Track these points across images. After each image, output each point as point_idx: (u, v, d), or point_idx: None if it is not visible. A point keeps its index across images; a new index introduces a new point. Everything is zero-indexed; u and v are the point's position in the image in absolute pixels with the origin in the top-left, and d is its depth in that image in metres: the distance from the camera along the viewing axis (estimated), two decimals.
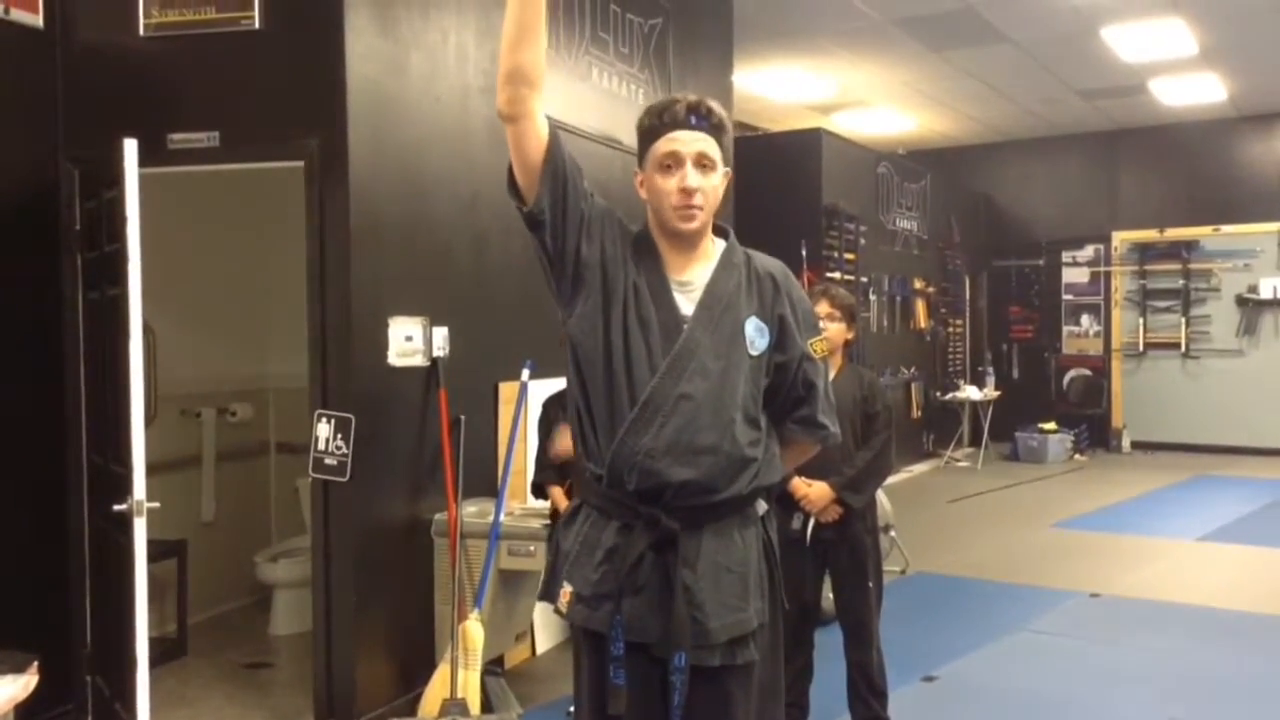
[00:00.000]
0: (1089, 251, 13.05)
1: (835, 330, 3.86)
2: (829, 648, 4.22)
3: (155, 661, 3.76)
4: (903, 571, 6.69)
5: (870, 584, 4.07)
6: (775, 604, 2.38)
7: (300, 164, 4.18)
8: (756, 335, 2.33)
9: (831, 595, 4.25)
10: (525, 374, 4.81)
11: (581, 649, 2.39)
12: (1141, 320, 12.72)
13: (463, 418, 4.66)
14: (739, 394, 2.29)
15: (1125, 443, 12.63)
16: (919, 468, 11.35)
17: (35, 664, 3.68)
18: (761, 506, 2.40)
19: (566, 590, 2.33)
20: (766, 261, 2.44)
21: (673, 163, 2.29)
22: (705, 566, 2.26)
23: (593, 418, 2.33)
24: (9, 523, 4.11)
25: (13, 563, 4.11)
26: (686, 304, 2.32)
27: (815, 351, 2.42)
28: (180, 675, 4.96)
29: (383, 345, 4.33)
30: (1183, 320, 12.45)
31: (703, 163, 2.29)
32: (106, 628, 4.08)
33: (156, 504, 3.66)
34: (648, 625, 2.26)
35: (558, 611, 2.36)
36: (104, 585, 4.12)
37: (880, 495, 4.50)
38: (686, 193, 2.27)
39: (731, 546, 2.30)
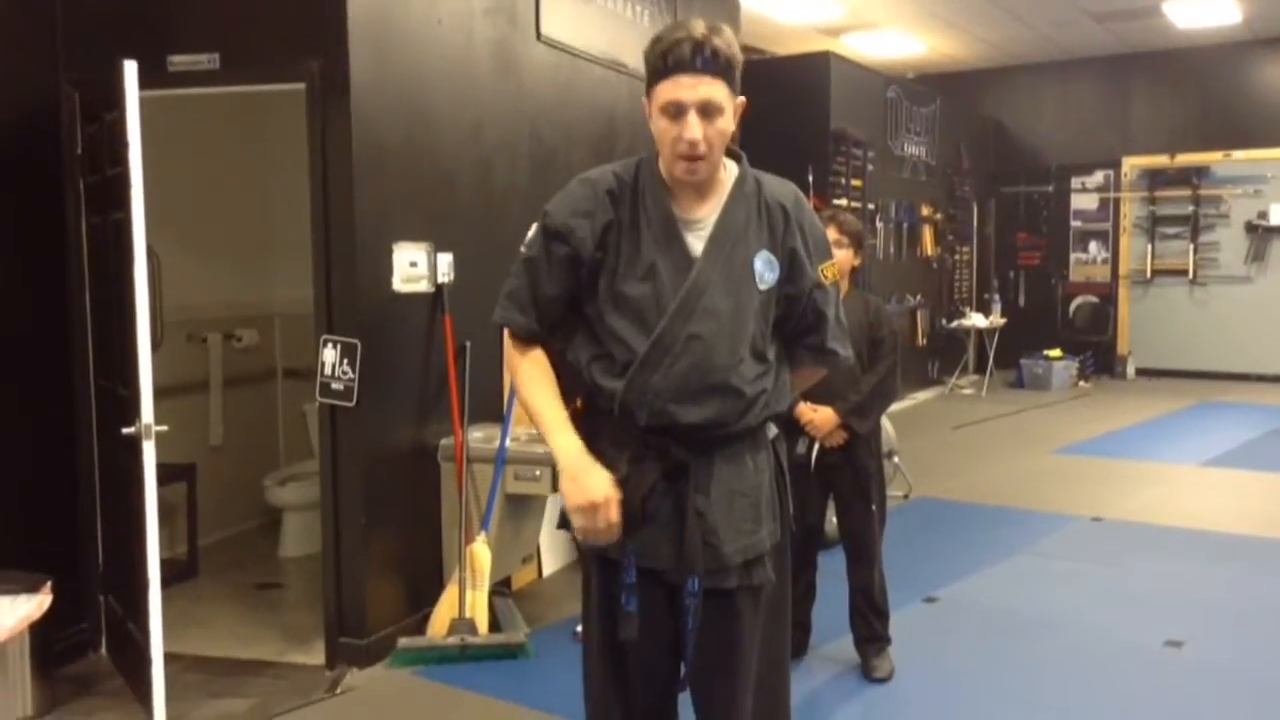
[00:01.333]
0: (1098, 177, 12.94)
1: (842, 257, 3.84)
2: (832, 570, 4.27)
3: (167, 582, 3.81)
4: (905, 496, 6.74)
5: (874, 507, 4.11)
6: (784, 526, 2.40)
7: (301, 86, 4.14)
8: (766, 269, 2.30)
9: (835, 519, 4.30)
10: None
11: (593, 576, 2.42)
12: (1149, 247, 12.65)
13: (468, 344, 4.66)
14: (748, 331, 2.27)
15: (1130, 370, 12.63)
16: (923, 395, 11.38)
17: (49, 584, 3.76)
18: (772, 430, 2.40)
19: None
20: (778, 189, 2.37)
21: (676, 110, 2.19)
22: (718, 492, 2.27)
23: (603, 357, 2.31)
24: (18, 447, 4.15)
25: (24, 486, 4.15)
26: (695, 242, 2.28)
27: (826, 277, 2.38)
28: (192, 595, 5.04)
29: (387, 271, 4.32)
30: (1191, 247, 12.38)
31: (708, 109, 2.18)
32: (118, 549, 4.13)
33: (164, 427, 3.68)
34: (661, 552, 2.28)
35: (574, 540, 2.38)
36: (114, 508, 4.17)
37: (884, 421, 4.52)
38: (691, 144, 2.19)
39: (744, 471, 2.30)
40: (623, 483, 2.26)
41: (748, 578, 2.31)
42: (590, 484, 2.19)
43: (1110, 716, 3.73)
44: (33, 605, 3.70)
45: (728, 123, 2.22)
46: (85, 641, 4.35)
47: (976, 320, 12.02)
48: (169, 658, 3.75)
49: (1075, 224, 13.10)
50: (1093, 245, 13.00)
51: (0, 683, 3.71)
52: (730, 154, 2.34)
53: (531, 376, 2.35)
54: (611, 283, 2.28)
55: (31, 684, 3.77)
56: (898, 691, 3.99)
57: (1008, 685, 4.01)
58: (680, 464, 2.27)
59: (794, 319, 2.37)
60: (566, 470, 2.23)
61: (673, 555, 2.28)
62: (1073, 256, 13.12)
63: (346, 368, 4.14)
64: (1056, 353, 12.12)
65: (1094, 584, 5.20)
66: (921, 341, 11.65)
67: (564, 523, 2.44)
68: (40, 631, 3.77)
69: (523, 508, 4.75)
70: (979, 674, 4.13)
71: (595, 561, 2.38)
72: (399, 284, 4.37)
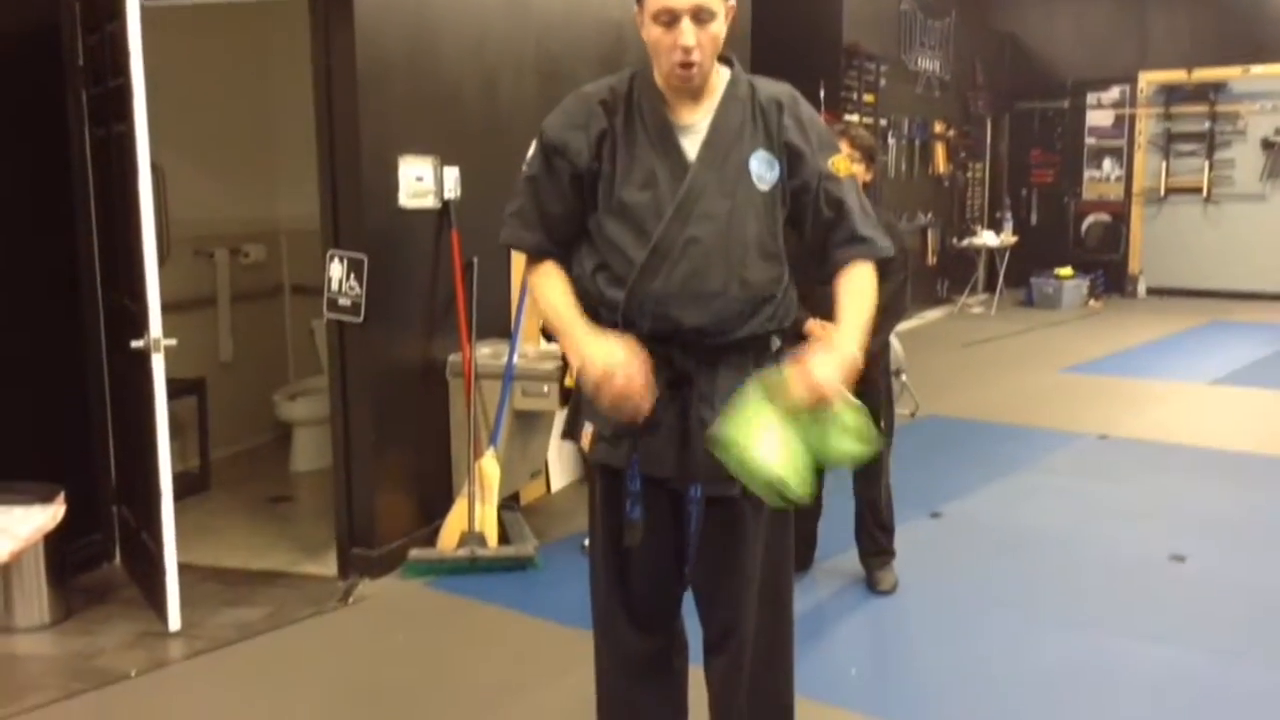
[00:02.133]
0: (1114, 93, 12.74)
1: (854, 172, 3.78)
2: (838, 486, 4.29)
3: (179, 495, 3.85)
4: (912, 414, 6.76)
5: (882, 423, 4.11)
6: None
7: None
8: (764, 169, 2.28)
9: None
10: None
11: (597, 485, 2.45)
12: (1164, 164, 12.50)
13: (475, 260, 4.65)
14: (749, 233, 2.26)
15: (1141, 288, 12.57)
16: (932, 314, 11.35)
17: (61, 495, 3.80)
18: (776, 343, 2.40)
19: (589, 430, 2.37)
20: (771, 88, 2.36)
21: (669, 18, 2.17)
22: (722, 401, 2.27)
23: (605, 267, 2.31)
24: (28, 360, 4.16)
25: (34, 399, 4.18)
26: (691, 147, 2.27)
27: (837, 169, 2.33)
28: (204, 508, 5.10)
29: (393, 186, 4.29)
30: (1206, 164, 12.23)
31: (700, 15, 2.17)
32: (130, 461, 4.17)
33: (173, 341, 3.69)
34: (665, 460, 2.31)
35: (580, 450, 2.41)
36: (125, 421, 4.20)
37: (893, 339, 4.51)
38: (685, 50, 2.17)
39: (747, 380, 2.28)
40: None
41: None
42: (610, 349, 2.17)
43: (1113, 629, 3.78)
44: (46, 515, 3.74)
45: (720, 27, 2.21)
46: (99, 552, 4.41)
47: (987, 239, 11.93)
48: (183, 568, 3.81)
49: (1090, 141, 12.93)
50: (1107, 162, 12.85)
51: (17, 591, 3.78)
52: (722, 59, 2.33)
53: (545, 284, 2.35)
54: (610, 192, 2.27)
55: (47, 593, 3.83)
56: (901, 604, 4.03)
57: (1011, 598, 4.06)
58: (684, 374, 2.28)
59: (810, 215, 2.32)
60: (586, 350, 2.19)
61: (676, 463, 2.30)
62: (1086, 174, 12.98)
63: (354, 283, 4.13)
64: (1067, 271, 12.04)
65: (1099, 500, 5.23)
66: (931, 260, 11.58)
67: (569, 432, 2.46)
68: (54, 542, 3.82)
69: (531, 423, 4.77)
70: (982, 587, 4.17)
71: (600, 471, 2.41)
72: (405, 199, 4.34)
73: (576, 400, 2.45)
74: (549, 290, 2.34)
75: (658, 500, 2.35)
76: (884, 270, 3.91)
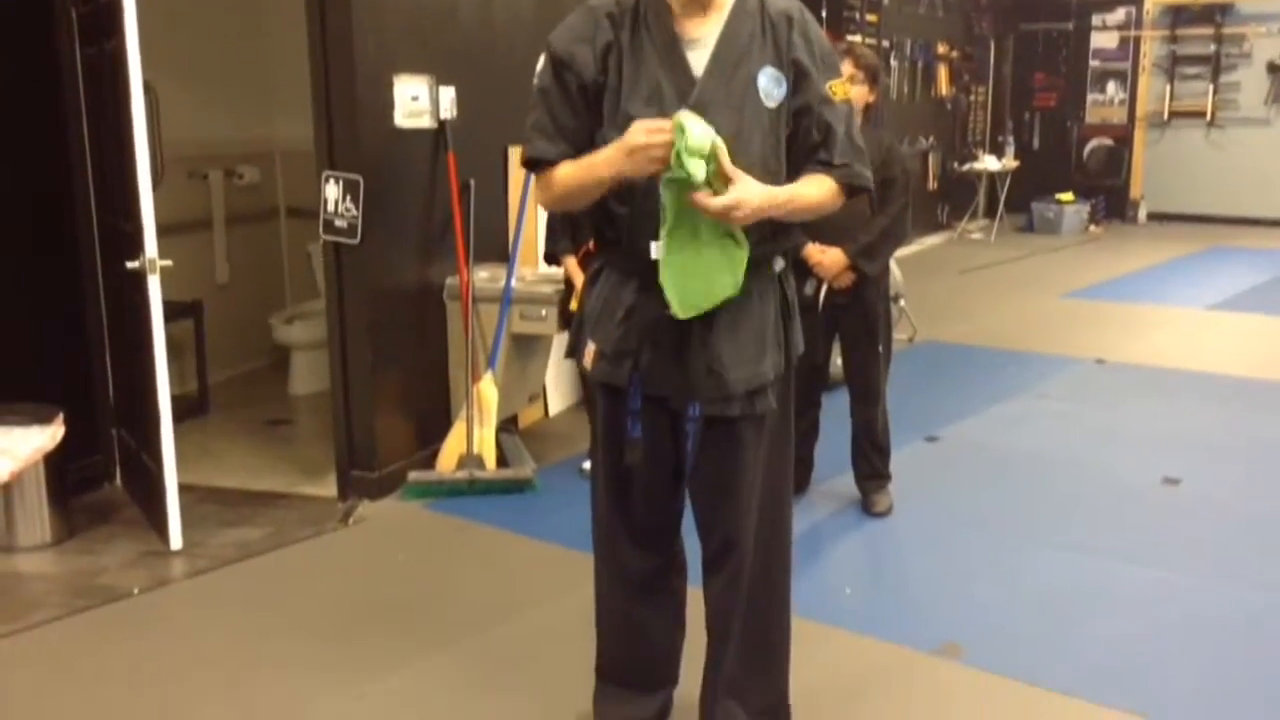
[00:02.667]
0: (1119, 14, 12.54)
1: (857, 93, 3.73)
2: (835, 410, 4.31)
3: (178, 418, 3.86)
4: (910, 340, 6.76)
5: (880, 348, 4.12)
6: (789, 358, 2.42)
7: None
8: (772, 86, 2.25)
9: (840, 360, 4.32)
10: None
11: (599, 403, 2.46)
12: (1168, 88, 12.36)
13: (472, 182, 4.60)
14: (754, 149, 2.23)
15: (1141, 214, 12.51)
16: (932, 240, 11.29)
17: (60, 416, 3.81)
18: (779, 264, 2.40)
19: (591, 348, 2.38)
20: (781, 2, 2.32)
21: None
22: (723, 322, 2.28)
23: (615, 191, 2.29)
24: (24, 282, 4.14)
25: (31, 322, 4.17)
26: (698, 61, 2.25)
27: (834, 94, 2.32)
28: (203, 431, 5.12)
29: (388, 105, 4.23)
30: (1210, 88, 12.09)
31: None
32: (128, 383, 4.17)
33: (169, 262, 3.67)
34: (666, 379, 2.32)
35: (582, 369, 2.42)
36: (123, 343, 4.20)
37: (892, 264, 4.49)
38: None
39: (748, 302, 2.30)
40: (630, 310, 2.30)
41: (751, 407, 2.34)
42: (631, 131, 2.13)
43: (1105, 550, 3.82)
44: (45, 436, 3.75)
45: None
46: (99, 473, 4.44)
47: (989, 163, 11.83)
48: (183, 489, 3.84)
49: (1094, 64, 12.76)
50: (1110, 86, 12.70)
51: (19, 511, 3.81)
52: None
53: (561, 171, 2.28)
54: (616, 106, 2.25)
55: (49, 513, 3.86)
56: (896, 526, 4.07)
57: (1005, 521, 4.10)
58: None
59: (801, 136, 2.31)
60: (614, 150, 2.16)
61: (676, 383, 2.31)
62: (1090, 98, 12.82)
63: (349, 205, 4.10)
64: (1068, 197, 11.97)
65: (1094, 424, 5.26)
66: (932, 185, 11.50)
67: (572, 351, 2.46)
68: (54, 463, 3.84)
69: (528, 347, 4.77)
70: (977, 510, 4.21)
71: (601, 390, 2.42)
72: (401, 119, 4.29)
73: (579, 319, 2.46)
74: (564, 171, 2.28)
75: (658, 419, 2.37)
76: (885, 195, 3.94)
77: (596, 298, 2.39)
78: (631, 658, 2.63)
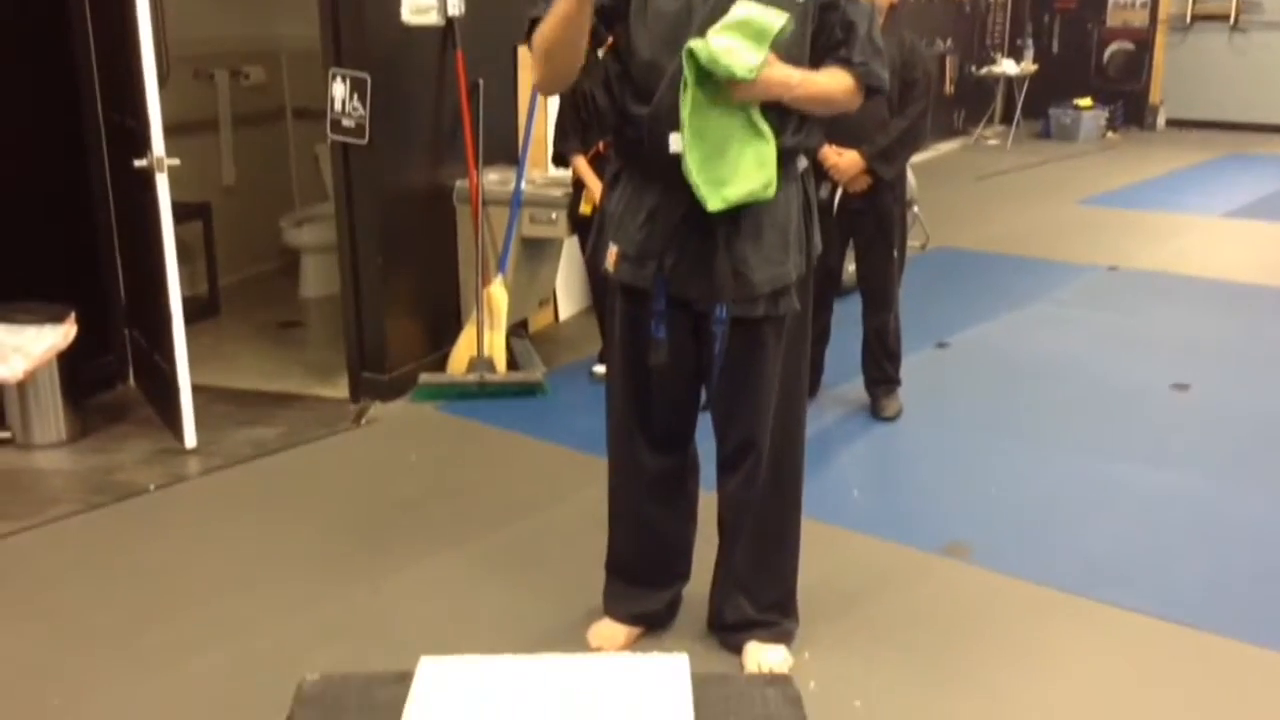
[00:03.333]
0: None
1: None
2: (847, 316, 4.30)
3: (189, 320, 3.87)
4: (923, 246, 6.71)
5: (894, 253, 4.09)
6: (809, 259, 2.42)
7: None
8: None
9: (853, 266, 4.29)
10: None
11: (618, 305, 2.46)
12: None
13: (481, 82, 4.53)
14: (781, 43, 2.18)
15: (1161, 120, 12.30)
16: (947, 146, 11.13)
17: (72, 315, 3.82)
18: (802, 163, 2.38)
19: (613, 250, 2.38)
20: None
21: None
22: (747, 223, 2.28)
23: (631, 81, 2.28)
24: (32, 182, 4.12)
25: (41, 221, 4.15)
26: None
27: None
28: (215, 333, 5.13)
29: (395, 1, 4.15)
30: None
31: None
32: (139, 284, 4.18)
33: (176, 160, 3.65)
34: (691, 281, 2.32)
35: (604, 272, 2.42)
36: (133, 244, 4.19)
37: (907, 169, 4.43)
38: None
39: (773, 203, 2.29)
40: (654, 212, 2.30)
41: (774, 307, 2.35)
42: None
43: (1114, 454, 3.83)
44: (58, 335, 3.77)
45: None
46: (113, 373, 4.46)
47: (1007, 67, 11.59)
48: (196, 389, 3.86)
49: None
50: None
51: (34, 409, 3.84)
52: None
53: (543, 25, 2.19)
54: (644, 3, 2.22)
55: (64, 410, 3.89)
56: (905, 430, 4.09)
57: (1014, 425, 4.11)
58: None
59: (824, 32, 2.29)
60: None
61: (702, 284, 2.32)
62: (1111, 0, 12.53)
63: (357, 104, 4.05)
64: (1087, 102, 11.76)
65: (1106, 331, 5.24)
66: (949, 89, 11.29)
67: (594, 254, 2.46)
68: (68, 362, 3.86)
69: (539, 251, 4.75)
70: (986, 414, 4.22)
71: (622, 292, 2.42)
72: (408, 15, 4.21)
73: (600, 221, 2.45)
74: (541, 29, 2.19)
75: (680, 321, 2.38)
76: (905, 97, 3.87)
77: (618, 200, 2.38)
78: (643, 555, 2.67)
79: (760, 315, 2.35)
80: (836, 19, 2.28)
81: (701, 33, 2.14)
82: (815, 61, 2.30)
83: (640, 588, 2.68)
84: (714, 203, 2.18)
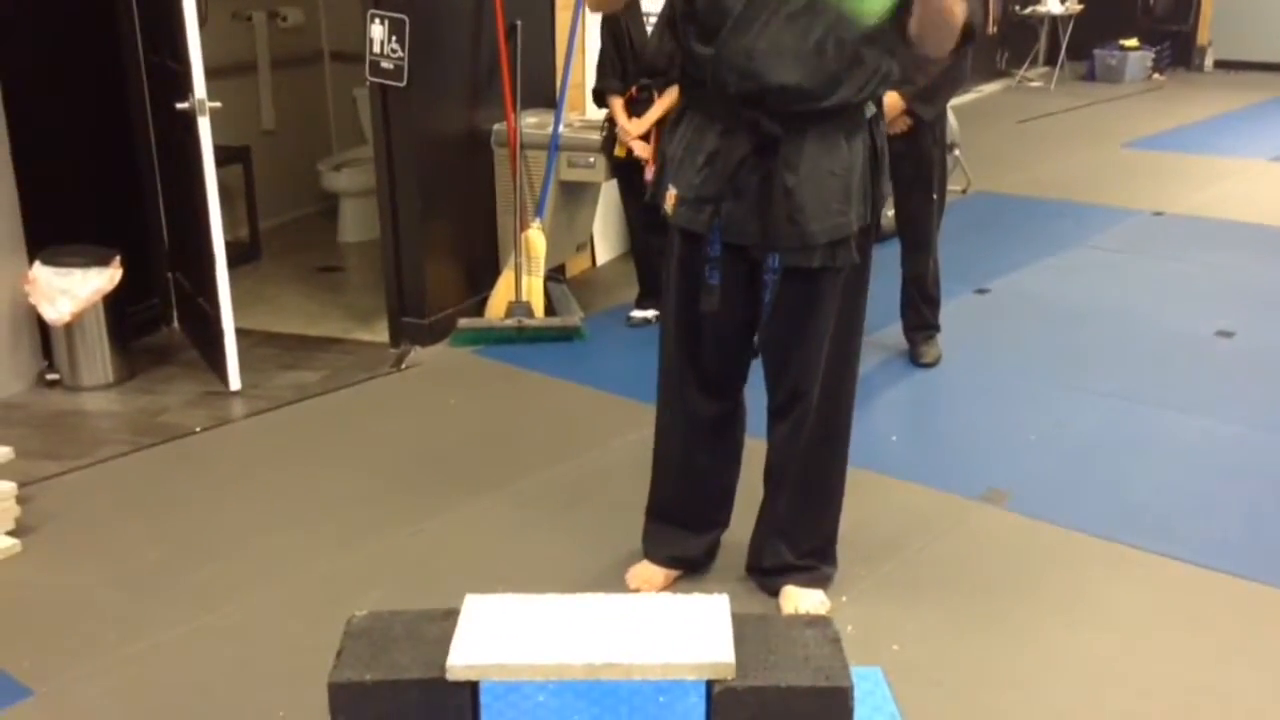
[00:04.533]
0: None
1: None
2: (886, 261, 4.25)
3: (231, 263, 3.89)
4: (964, 191, 6.63)
5: (934, 196, 4.05)
6: (874, 209, 2.38)
7: None
8: None
9: (892, 210, 4.25)
10: None
11: (675, 249, 2.44)
12: None
13: (519, 23, 4.50)
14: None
15: (1208, 61, 12.02)
16: (989, 87, 10.94)
17: (117, 258, 3.87)
18: (870, 109, 2.32)
19: (672, 193, 2.35)
20: None
21: None
22: (807, 170, 2.24)
23: (696, 21, 2.24)
24: (76, 125, 4.15)
25: (84, 164, 4.19)
26: None
27: None
28: (256, 276, 5.18)
29: None
30: None
31: None
32: (182, 227, 4.22)
33: (218, 104, 3.66)
34: (746, 227, 2.30)
35: (664, 214, 2.39)
36: (175, 187, 4.22)
37: (948, 111, 4.36)
38: None
39: (836, 150, 2.26)
40: (713, 155, 2.27)
41: (832, 258, 2.31)
42: None
43: (1154, 400, 3.81)
44: (104, 278, 3.82)
45: None
46: (157, 316, 4.52)
47: (1052, 6, 11.35)
48: (239, 333, 3.92)
49: None
50: None
51: (81, 351, 3.90)
52: None
53: None
54: None
55: (110, 353, 3.95)
56: (943, 376, 4.08)
57: (1054, 370, 4.08)
58: (771, 138, 2.23)
59: None
60: None
61: (758, 231, 2.29)
62: None
63: (395, 45, 4.04)
64: (1133, 43, 11.51)
65: (1149, 277, 5.18)
66: (992, 29, 11.07)
67: (653, 196, 2.44)
68: (114, 304, 3.91)
69: (577, 195, 4.74)
70: (1026, 360, 4.19)
71: (679, 235, 2.40)
72: None
73: (661, 162, 2.43)
74: None
75: (735, 267, 2.36)
76: None
77: (679, 142, 2.36)
78: (687, 499, 2.68)
79: (816, 266, 2.31)
80: None
81: None
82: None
83: (682, 530, 2.70)
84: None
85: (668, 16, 2.34)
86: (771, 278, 2.33)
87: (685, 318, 2.46)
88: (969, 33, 2.23)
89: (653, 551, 2.73)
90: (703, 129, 2.30)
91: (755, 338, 2.49)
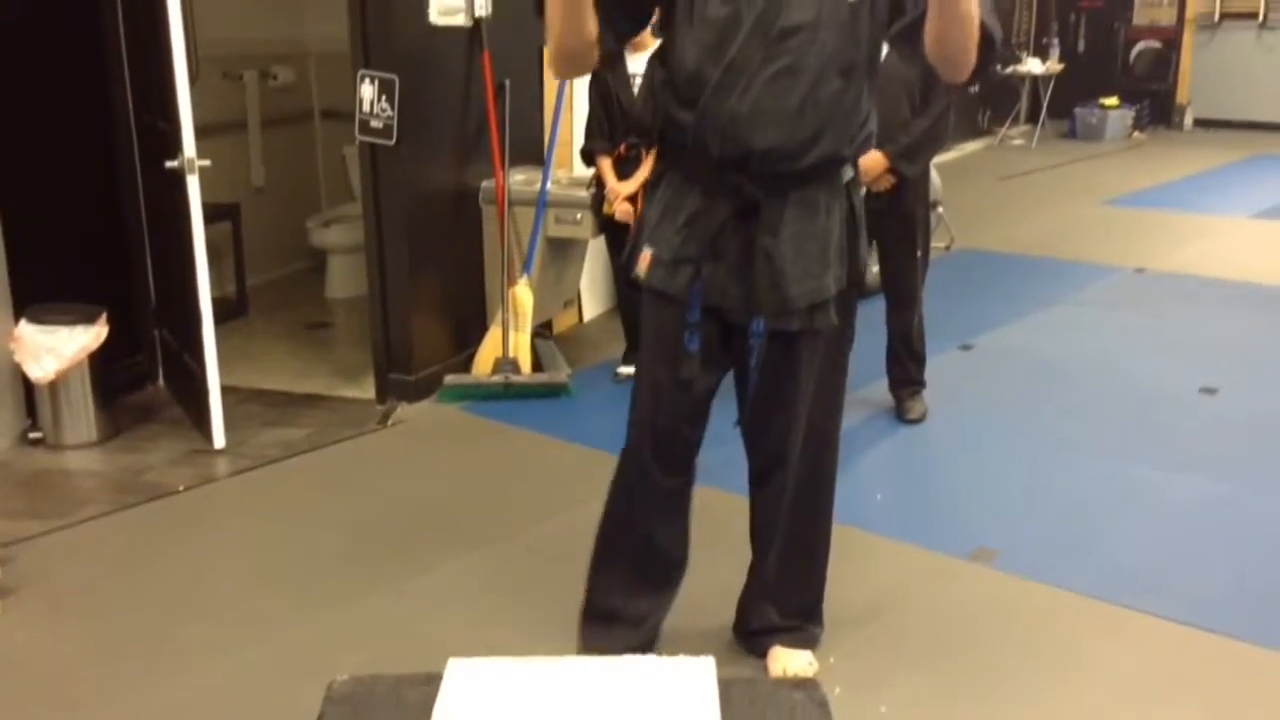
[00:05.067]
0: None
1: None
2: (870, 317, 4.27)
3: (218, 320, 3.90)
4: (947, 247, 6.69)
5: (918, 253, 4.08)
6: (853, 272, 2.35)
7: None
8: None
9: (877, 266, 4.28)
10: None
11: (649, 312, 2.39)
12: None
13: (507, 83, 4.56)
14: (829, 49, 2.13)
15: (1188, 120, 12.21)
16: (971, 146, 11.09)
17: (104, 316, 3.86)
18: (848, 173, 2.32)
19: (646, 254, 2.32)
20: None
21: None
22: (788, 234, 2.23)
23: (675, 88, 2.24)
24: (64, 182, 4.16)
25: (72, 221, 4.19)
26: None
27: None
28: (243, 333, 5.17)
29: (423, 2, 4.18)
30: None
31: None
32: (169, 284, 4.22)
33: (207, 162, 3.68)
34: (728, 291, 2.28)
35: (635, 277, 2.35)
36: (163, 245, 4.23)
37: (931, 169, 4.42)
38: None
39: (815, 215, 2.25)
40: (693, 216, 2.25)
41: (810, 321, 2.30)
42: None
43: (1140, 458, 3.81)
44: (90, 336, 3.81)
45: None
46: (143, 373, 4.51)
47: (1033, 66, 11.53)
48: (225, 390, 3.90)
49: None
50: None
51: (66, 409, 3.88)
52: None
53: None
54: (691, 5, 2.16)
55: (94, 411, 3.93)
56: (930, 433, 4.08)
57: (1039, 428, 4.09)
58: (752, 203, 2.22)
59: (889, 14, 2.17)
60: None
61: (740, 295, 2.27)
62: None
63: (385, 105, 4.08)
64: (1113, 101, 11.69)
65: (1132, 333, 5.22)
66: (973, 88, 11.24)
67: (628, 258, 2.38)
68: (99, 362, 3.90)
69: (564, 251, 4.76)
70: (1010, 417, 4.21)
71: (654, 298, 2.36)
72: (436, 16, 4.24)
73: (637, 225, 2.41)
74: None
75: (711, 331, 2.33)
76: (928, 96, 3.86)
77: (657, 203, 2.34)
78: (636, 570, 2.57)
79: (795, 329, 2.29)
80: None
81: (755, 34, 2.10)
82: (896, 40, 2.20)
83: (627, 627, 2.57)
84: None
85: (650, 86, 2.35)
86: (757, 342, 2.29)
87: (657, 384, 2.40)
88: (988, 45, 2.07)
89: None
90: (682, 190, 2.28)
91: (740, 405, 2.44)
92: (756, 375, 2.34)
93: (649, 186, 2.40)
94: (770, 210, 2.23)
